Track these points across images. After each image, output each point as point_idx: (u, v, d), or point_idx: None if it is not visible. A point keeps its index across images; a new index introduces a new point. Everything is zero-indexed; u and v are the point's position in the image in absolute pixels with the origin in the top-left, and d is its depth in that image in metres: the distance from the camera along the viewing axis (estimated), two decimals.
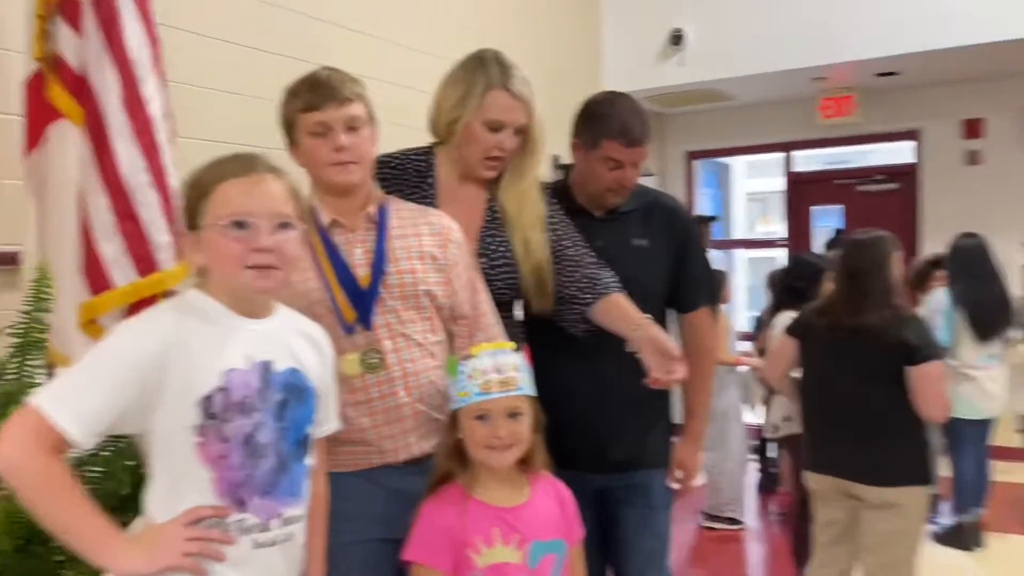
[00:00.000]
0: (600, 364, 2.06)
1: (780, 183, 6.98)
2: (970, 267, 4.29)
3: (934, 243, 5.53)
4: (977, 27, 4.87)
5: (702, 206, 7.43)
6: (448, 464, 1.61)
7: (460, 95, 1.94)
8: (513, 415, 1.57)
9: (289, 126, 1.74)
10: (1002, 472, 4.78)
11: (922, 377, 2.62)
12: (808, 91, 6.12)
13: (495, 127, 1.93)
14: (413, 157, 2.02)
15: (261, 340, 1.38)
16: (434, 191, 1.98)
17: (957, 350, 4.23)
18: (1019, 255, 5.54)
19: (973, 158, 6.04)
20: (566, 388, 2.03)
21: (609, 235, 2.13)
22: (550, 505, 1.66)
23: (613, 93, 2.18)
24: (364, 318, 1.69)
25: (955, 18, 4.90)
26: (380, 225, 1.76)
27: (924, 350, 2.64)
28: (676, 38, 5.69)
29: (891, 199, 6.48)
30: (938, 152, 6.19)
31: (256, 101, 2.94)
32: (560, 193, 2.16)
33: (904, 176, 6.40)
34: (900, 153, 6.48)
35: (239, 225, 1.32)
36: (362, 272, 1.72)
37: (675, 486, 2.21)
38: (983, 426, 4.32)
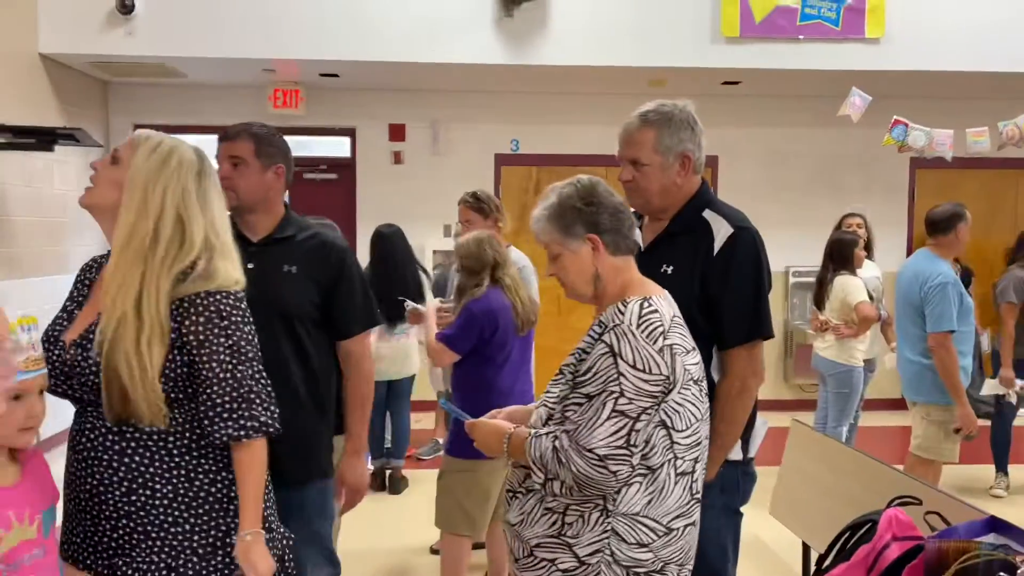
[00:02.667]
0: None
1: None
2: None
3: (367, 229, 6.34)
4: (395, 45, 5.74)
5: None
6: None
7: None
8: (41, 391, 1.58)
9: None
10: None
11: None
12: (259, 80, 6.46)
13: None
14: None
15: None
16: None
17: None
18: (431, 242, 6.70)
19: (397, 157, 7.08)
20: None
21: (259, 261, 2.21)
22: (42, 476, 1.68)
23: None
24: None
25: (383, 34, 5.71)
26: None
27: None
28: (125, 6, 5.48)
29: (332, 188, 7.21)
30: (370, 149, 7.09)
31: None
32: None
33: (343, 168, 7.19)
34: (339, 147, 7.23)
35: None
36: None
37: None
38: None
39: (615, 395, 1.65)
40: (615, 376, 1.66)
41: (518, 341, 3.20)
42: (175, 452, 1.69)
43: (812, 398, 5.70)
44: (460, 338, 3.10)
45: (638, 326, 1.68)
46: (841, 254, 4.88)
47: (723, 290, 2.02)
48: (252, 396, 1.70)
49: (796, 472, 3.44)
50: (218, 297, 1.69)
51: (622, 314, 1.71)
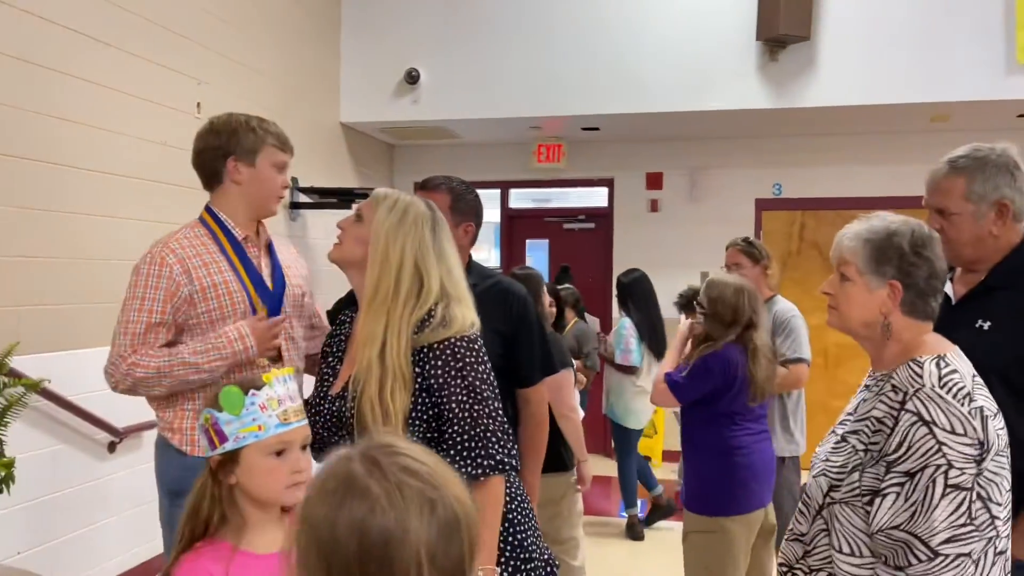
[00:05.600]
0: None
1: (496, 216, 7.67)
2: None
3: None
4: (658, 97, 5.83)
5: None
6: (210, 516, 1.40)
7: None
8: (304, 447, 1.47)
9: (251, 150, 2.16)
10: None
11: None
12: (525, 137, 6.84)
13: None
14: None
15: None
16: None
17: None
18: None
19: (653, 205, 7.13)
20: None
21: None
22: None
23: None
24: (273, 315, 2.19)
25: (645, 87, 5.83)
26: (271, 249, 2.33)
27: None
28: (412, 77, 6.09)
29: (589, 236, 7.41)
30: (627, 198, 7.21)
31: None
32: None
33: (600, 217, 7.36)
34: (597, 197, 7.44)
35: None
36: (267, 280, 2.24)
37: None
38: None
39: (943, 468, 1.44)
40: (935, 448, 1.46)
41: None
42: None
43: None
44: (688, 387, 2.97)
45: (941, 387, 1.49)
46: None
47: None
48: (488, 434, 1.74)
49: None
50: (453, 341, 1.76)
51: (919, 376, 1.52)
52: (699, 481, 2.96)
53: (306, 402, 1.86)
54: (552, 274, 6.97)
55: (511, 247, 7.56)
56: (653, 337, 5.10)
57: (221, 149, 2.21)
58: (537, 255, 7.55)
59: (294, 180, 5.51)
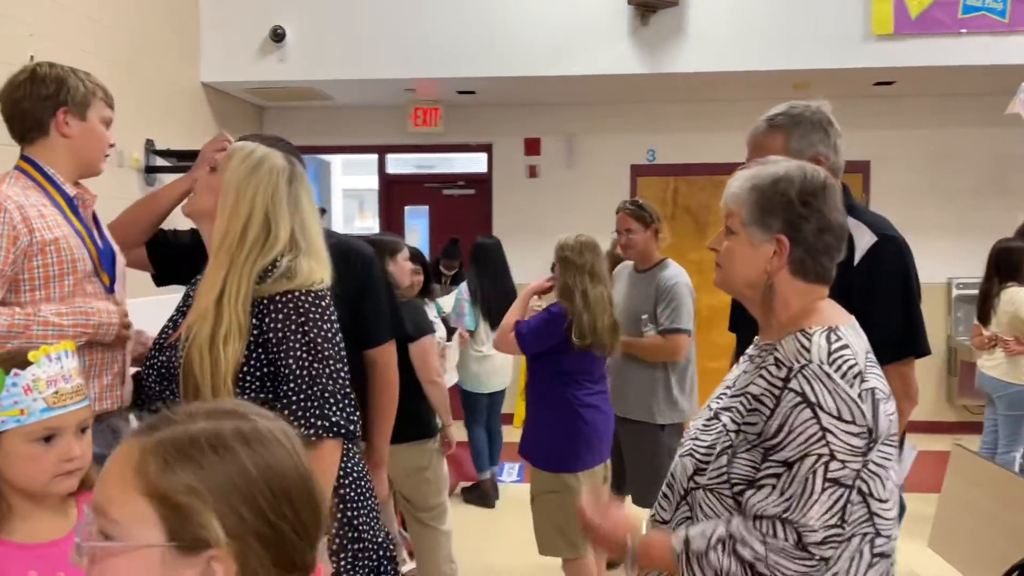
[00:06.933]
0: None
1: (375, 182, 7.49)
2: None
3: (504, 242, 6.40)
4: (529, 60, 5.78)
5: None
6: None
7: None
8: (84, 429, 1.33)
9: (82, 103, 2.00)
10: None
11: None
12: (400, 100, 6.68)
13: None
14: None
15: None
16: None
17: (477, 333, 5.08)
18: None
19: (532, 171, 7.12)
20: None
21: None
22: None
23: None
24: (112, 286, 2.02)
25: (519, 51, 5.77)
26: (95, 218, 2.13)
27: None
28: (277, 35, 5.82)
29: (469, 202, 7.34)
30: (505, 164, 7.17)
31: None
32: None
33: (480, 183, 7.30)
34: (476, 163, 7.36)
35: None
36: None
37: None
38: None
39: (824, 459, 1.28)
40: (819, 434, 1.28)
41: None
42: None
43: (978, 420, 5.24)
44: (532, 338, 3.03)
45: (830, 364, 1.32)
46: (1009, 263, 4.47)
47: (868, 304, 1.80)
48: (326, 395, 1.65)
49: (958, 502, 3.16)
50: (297, 295, 1.67)
51: (807, 351, 1.34)
52: (546, 439, 2.98)
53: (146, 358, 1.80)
54: (435, 245, 6.87)
55: (389, 214, 7.42)
56: (491, 305, 5.03)
57: (51, 100, 2.01)
58: (417, 222, 7.43)
59: (149, 143, 5.20)
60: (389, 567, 1.80)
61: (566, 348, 2.97)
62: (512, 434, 5.82)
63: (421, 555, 3.31)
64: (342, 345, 1.73)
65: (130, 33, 4.99)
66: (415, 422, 3.19)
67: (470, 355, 5.07)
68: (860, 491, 1.31)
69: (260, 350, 1.66)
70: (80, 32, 4.50)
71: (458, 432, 3.66)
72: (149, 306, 2.56)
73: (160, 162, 5.31)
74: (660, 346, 3.48)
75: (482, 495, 5.14)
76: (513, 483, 5.46)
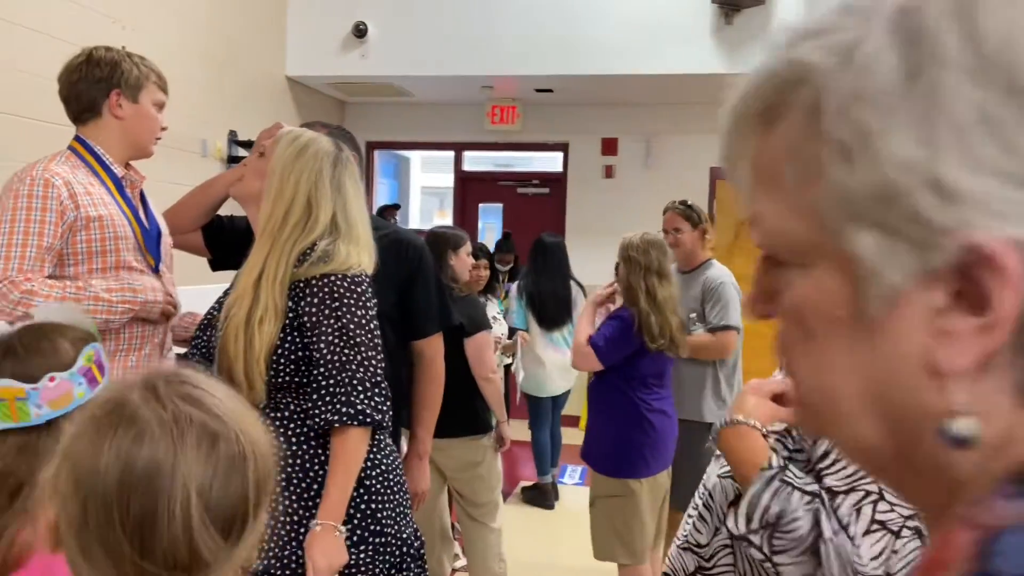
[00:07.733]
0: None
1: (450, 180, 7.53)
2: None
3: (577, 242, 6.36)
4: (609, 59, 5.72)
5: (381, 195, 7.75)
6: None
7: None
8: None
9: (135, 85, 2.07)
10: None
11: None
12: (478, 97, 6.70)
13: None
14: None
15: None
16: None
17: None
18: None
19: (608, 171, 7.04)
20: None
21: None
22: None
23: None
24: (157, 266, 2.14)
25: (598, 50, 5.71)
26: (144, 198, 2.22)
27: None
28: (359, 30, 5.92)
29: (543, 202, 7.31)
30: (581, 164, 7.11)
31: None
32: None
33: (554, 182, 7.26)
34: (552, 162, 7.32)
35: None
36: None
37: None
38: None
39: (873, 497, 1.12)
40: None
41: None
42: (293, 440, 1.67)
43: None
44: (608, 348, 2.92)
45: None
46: None
47: None
48: (355, 382, 1.63)
49: None
50: (333, 279, 1.66)
51: None
52: (609, 443, 2.91)
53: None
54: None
55: (464, 211, 7.45)
56: (541, 304, 4.94)
57: (104, 81, 2.08)
58: (491, 220, 7.44)
59: (232, 133, 5.36)
60: (412, 564, 1.75)
61: (641, 351, 2.90)
62: (572, 436, 5.78)
63: (472, 551, 3.30)
64: (377, 332, 1.71)
65: (219, 27, 5.16)
66: (470, 417, 3.18)
67: (527, 356, 5.01)
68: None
69: (295, 333, 1.66)
70: (170, 26, 4.67)
71: (520, 432, 3.63)
72: (210, 293, 2.62)
73: (242, 152, 5.47)
74: (710, 344, 3.42)
75: (542, 495, 5.10)
76: (575, 485, 5.40)
